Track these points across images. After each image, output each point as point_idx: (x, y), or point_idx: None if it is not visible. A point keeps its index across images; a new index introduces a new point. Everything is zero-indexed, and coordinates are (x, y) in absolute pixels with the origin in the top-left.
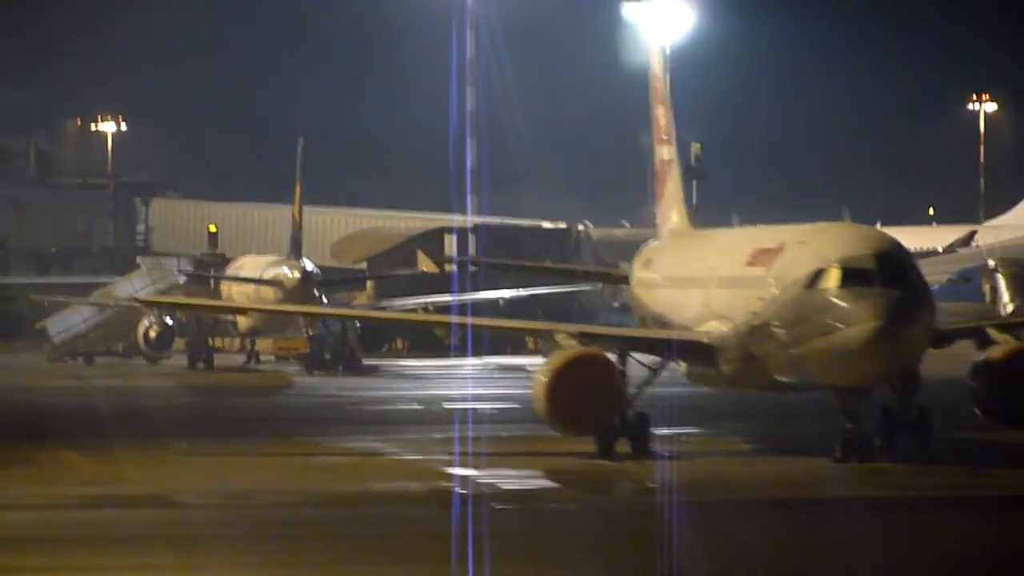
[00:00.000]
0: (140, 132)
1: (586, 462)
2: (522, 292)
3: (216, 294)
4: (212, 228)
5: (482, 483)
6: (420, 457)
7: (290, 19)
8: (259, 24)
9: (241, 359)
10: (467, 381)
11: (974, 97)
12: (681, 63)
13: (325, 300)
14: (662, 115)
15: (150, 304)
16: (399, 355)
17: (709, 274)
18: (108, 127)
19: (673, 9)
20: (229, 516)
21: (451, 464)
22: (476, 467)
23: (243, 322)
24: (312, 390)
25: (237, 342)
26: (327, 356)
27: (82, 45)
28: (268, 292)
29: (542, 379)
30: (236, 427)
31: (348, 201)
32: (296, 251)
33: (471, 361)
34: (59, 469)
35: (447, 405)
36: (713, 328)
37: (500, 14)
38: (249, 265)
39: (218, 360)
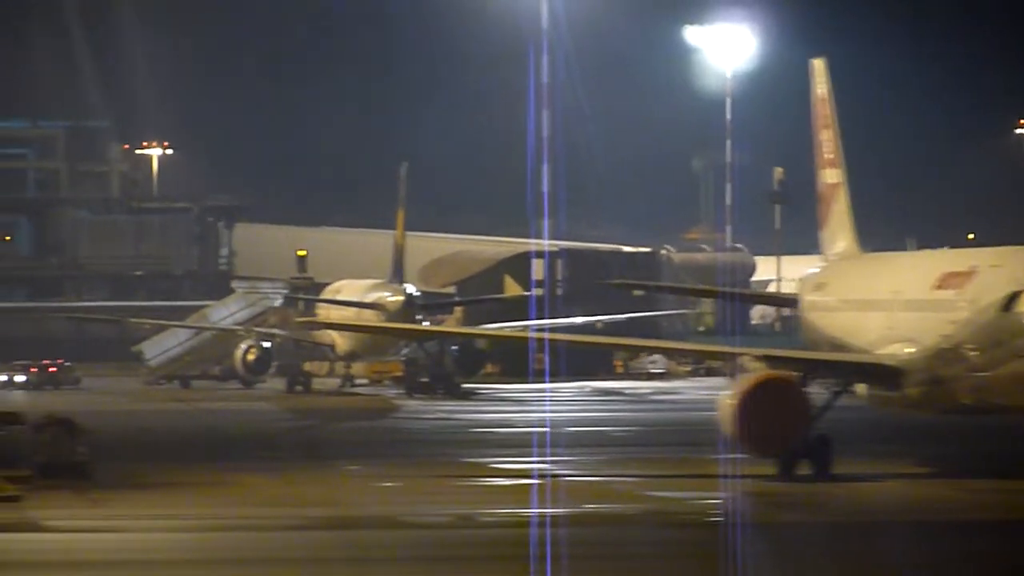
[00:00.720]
0: (222, 157)
1: (771, 484)
2: (621, 317)
3: (312, 317)
4: (301, 252)
5: (698, 504)
6: (600, 478)
7: (367, 47)
8: (337, 52)
9: (331, 383)
10: (572, 404)
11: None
12: (751, 87)
13: (426, 324)
14: (828, 138)
15: (319, 327)
16: (489, 379)
17: (893, 297)
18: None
19: (735, 34)
20: (470, 537)
21: (639, 486)
22: (674, 489)
23: (342, 346)
24: (422, 413)
25: (326, 366)
26: (424, 380)
27: (156, 68)
28: (370, 315)
29: (731, 401)
30: (377, 449)
31: (424, 225)
32: (398, 275)
33: (566, 385)
34: (249, 490)
35: (572, 428)
36: (897, 351)
37: (574, 41)
38: (347, 289)
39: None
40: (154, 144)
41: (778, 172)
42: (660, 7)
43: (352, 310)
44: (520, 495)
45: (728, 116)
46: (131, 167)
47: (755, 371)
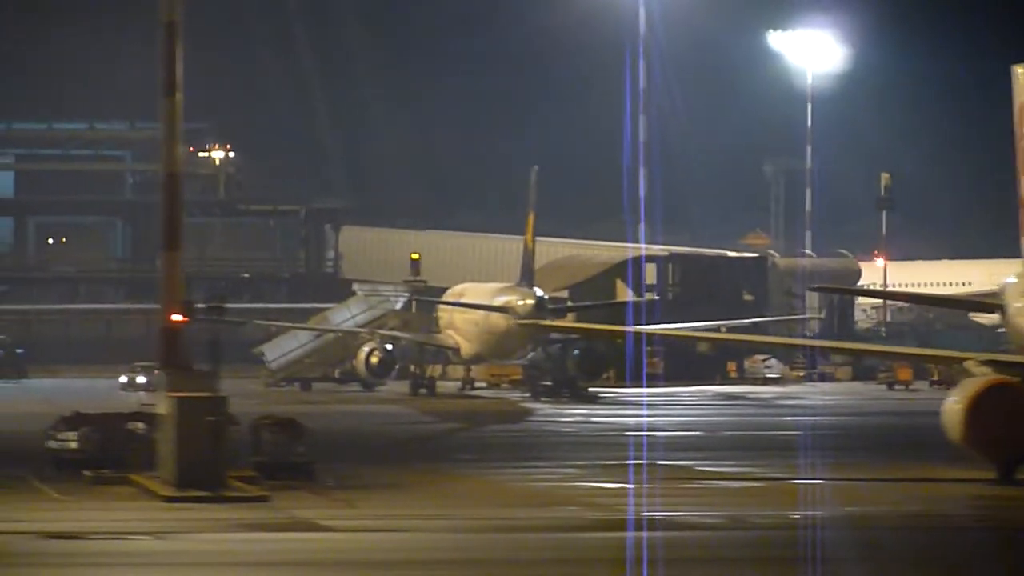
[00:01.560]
0: (327, 159)
1: (995, 489)
2: (743, 322)
3: (434, 321)
4: (415, 255)
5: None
6: (828, 482)
7: (466, 51)
8: (439, 56)
9: (449, 386)
10: (703, 408)
11: None
12: (834, 91)
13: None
14: None
15: (567, 330)
16: (604, 384)
17: None
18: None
19: (819, 40)
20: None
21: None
22: (912, 492)
23: (467, 349)
24: (558, 416)
25: (438, 369)
26: (546, 383)
27: (258, 71)
28: (499, 319)
29: (958, 406)
30: (554, 452)
31: (513, 229)
32: (528, 278)
33: (684, 389)
34: (483, 490)
35: (727, 432)
36: None
37: (666, 46)
38: (472, 292)
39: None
40: (216, 147)
41: (884, 177)
42: (746, 12)
43: (479, 313)
44: (762, 497)
45: (809, 122)
46: (236, 170)
47: (982, 375)
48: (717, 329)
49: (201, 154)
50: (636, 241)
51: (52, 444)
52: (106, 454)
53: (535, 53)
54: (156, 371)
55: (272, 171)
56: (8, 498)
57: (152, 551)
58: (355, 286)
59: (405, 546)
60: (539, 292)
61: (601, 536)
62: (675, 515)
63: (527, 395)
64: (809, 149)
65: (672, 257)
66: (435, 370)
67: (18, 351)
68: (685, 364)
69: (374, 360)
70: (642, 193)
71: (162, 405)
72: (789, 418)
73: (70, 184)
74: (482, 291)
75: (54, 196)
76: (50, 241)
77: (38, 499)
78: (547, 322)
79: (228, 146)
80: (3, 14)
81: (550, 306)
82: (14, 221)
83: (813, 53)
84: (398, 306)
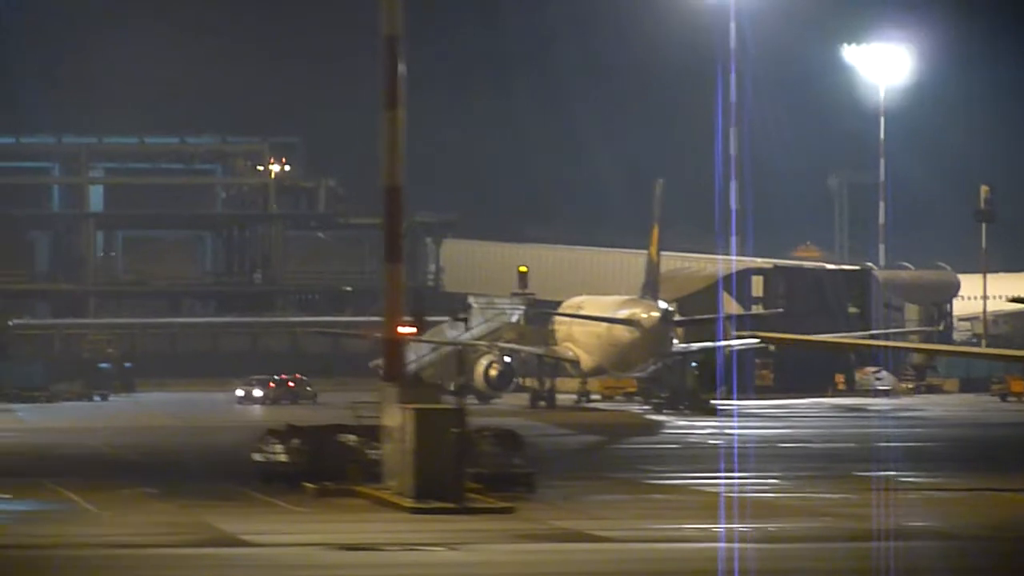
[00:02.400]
0: (428, 173)
1: None
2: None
3: (550, 334)
4: (523, 268)
5: None
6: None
7: (557, 65)
8: (534, 72)
9: (564, 399)
10: (827, 420)
11: None
12: (905, 104)
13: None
14: None
15: (776, 342)
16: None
17: None
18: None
19: (892, 53)
20: None
21: None
22: None
23: (587, 361)
24: (690, 428)
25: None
26: (663, 395)
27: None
28: (622, 331)
29: None
30: (712, 464)
31: (610, 242)
32: (652, 291)
33: (798, 401)
34: (696, 502)
35: (879, 444)
36: None
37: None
38: (591, 305)
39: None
40: (272, 161)
41: (984, 190)
42: (821, 26)
43: (602, 326)
44: (981, 506)
45: (882, 134)
46: (337, 183)
47: None
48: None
49: (259, 168)
50: (725, 253)
51: (259, 456)
52: (315, 466)
53: (621, 68)
54: (308, 386)
55: (373, 184)
56: (241, 510)
57: (455, 562)
58: (470, 299)
59: (698, 556)
60: (663, 304)
61: (878, 546)
62: (930, 525)
63: (647, 407)
64: (882, 162)
65: (777, 270)
66: (533, 382)
67: (126, 365)
68: (792, 376)
69: (493, 373)
70: (733, 206)
71: (390, 417)
72: (921, 430)
73: (160, 198)
74: (603, 304)
75: (144, 210)
76: (138, 255)
77: (274, 511)
78: (764, 334)
79: (284, 160)
80: (95, 30)
81: (675, 318)
82: (103, 234)
83: (886, 66)
84: (513, 319)
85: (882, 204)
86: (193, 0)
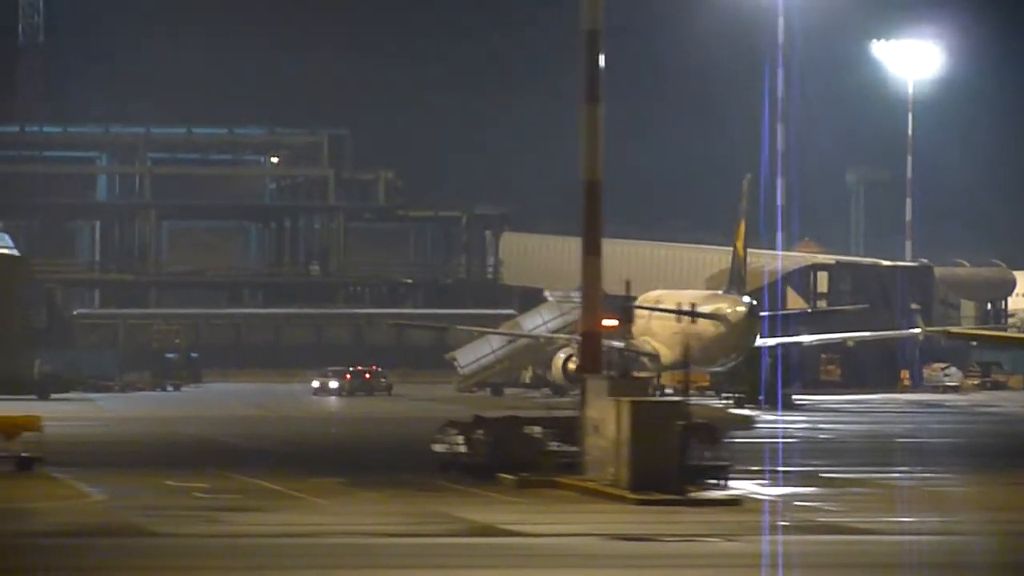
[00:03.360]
0: (486, 166)
1: None
2: None
3: (626, 328)
4: None
5: None
6: None
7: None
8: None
9: None
10: (913, 415)
11: None
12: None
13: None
14: None
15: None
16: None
17: None
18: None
19: (921, 49)
20: None
21: None
22: None
23: (667, 355)
24: (786, 424)
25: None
26: (739, 391)
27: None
28: (708, 326)
29: None
30: (861, 458)
31: (656, 236)
32: (739, 286)
33: (870, 397)
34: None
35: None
36: None
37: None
38: (669, 299)
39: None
40: (273, 155)
41: None
42: (853, 21)
43: (687, 320)
44: None
45: (910, 131)
46: (395, 175)
47: None
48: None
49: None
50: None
51: (439, 447)
52: (497, 458)
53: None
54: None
55: (432, 177)
56: (461, 499)
57: (740, 553)
58: (546, 292)
59: (983, 549)
60: (748, 299)
61: None
62: None
63: (727, 402)
64: (909, 159)
65: (840, 266)
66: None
67: (192, 356)
68: (859, 372)
69: (571, 366)
70: (779, 203)
71: (595, 409)
72: (1006, 426)
73: (208, 188)
74: (683, 298)
75: (189, 200)
76: (186, 245)
77: (493, 501)
78: (967, 330)
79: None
80: (140, 22)
81: (760, 313)
82: (148, 225)
83: (915, 62)
84: None
85: (909, 200)
86: None
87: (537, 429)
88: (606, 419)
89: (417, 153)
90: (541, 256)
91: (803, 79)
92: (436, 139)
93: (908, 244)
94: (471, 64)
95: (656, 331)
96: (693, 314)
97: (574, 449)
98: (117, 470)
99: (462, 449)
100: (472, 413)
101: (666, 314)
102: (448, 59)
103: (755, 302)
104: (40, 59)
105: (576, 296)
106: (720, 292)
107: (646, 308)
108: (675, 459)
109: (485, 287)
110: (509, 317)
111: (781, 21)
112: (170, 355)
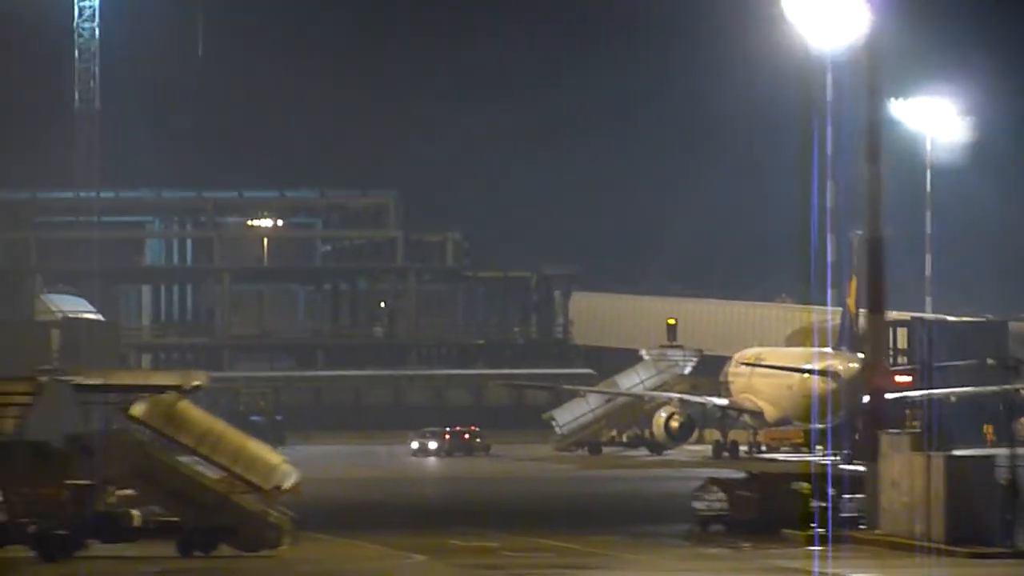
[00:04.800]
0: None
1: None
2: None
3: (722, 386)
4: (671, 321)
5: None
6: None
7: (650, 111)
8: (641, 122)
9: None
10: None
11: None
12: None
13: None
14: None
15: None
16: None
17: None
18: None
19: (940, 108)
20: None
21: None
22: None
23: (772, 412)
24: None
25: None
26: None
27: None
28: (821, 383)
29: None
30: None
31: (717, 293)
32: (847, 341)
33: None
34: None
35: None
36: None
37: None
38: (773, 357)
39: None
40: (265, 215)
41: None
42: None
43: (796, 377)
44: None
45: (928, 187)
46: (462, 236)
47: None
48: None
49: (252, 222)
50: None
51: (699, 504)
52: (762, 513)
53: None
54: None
55: (499, 238)
56: (772, 553)
57: None
58: (642, 351)
59: None
60: (860, 356)
61: None
62: None
63: (834, 458)
64: (928, 214)
65: (916, 322)
66: (711, 434)
67: (277, 418)
68: (941, 427)
69: (674, 424)
70: (829, 259)
71: (891, 464)
72: None
73: (257, 251)
74: (787, 355)
75: (238, 263)
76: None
77: (805, 556)
78: None
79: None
80: (187, 88)
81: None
82: (220, 287)
83: (934, 121)
84: (686, 371)
85: (928, 256)
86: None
87: (806, 485)
88: (908, 474)
89: (477, 214)
90: (610, 315)
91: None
92: (496, 200)
93: (928, 300)
94: (528, 123)
95: (760, 388)
96: (802, 371)
97: (848, 503)
98: (368, 531)
99: (723, 506)
100: (733, 470)
101: (771, 371)
102: (502, 118)
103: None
104: (95, 125)
105: (672, 354)
106: (829, 349)
107: (765, 367)
108: (996, 513)
109: (555, 347)
110: (586, 376)
111: (829, 78)
112: (255, 418)
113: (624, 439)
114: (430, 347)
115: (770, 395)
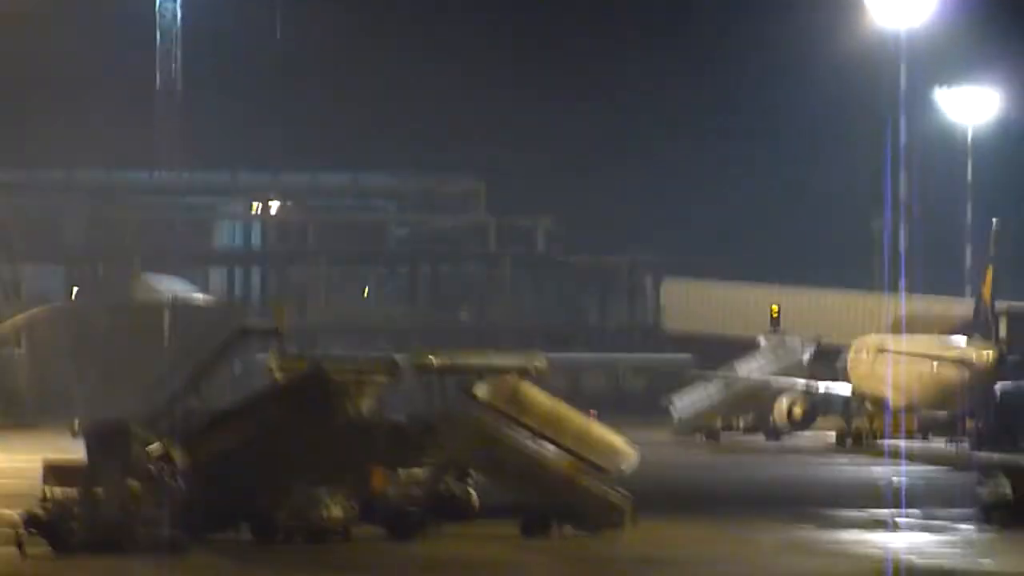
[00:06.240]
0: (646, 213)
1: None
2: None
3: (839, 372)
4: (774, 309)
5: None
6: None
7: (715, 104)
8: (731, 112)
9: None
10: None
11: None
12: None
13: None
14: None
15: None
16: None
17: None
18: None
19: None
20: None
21: None
22: None
23: (899, 400)
24: None
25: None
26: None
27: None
28: (951, 370)
29: None
30: None
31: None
32: (983, 331)
33: None
34: None
35: None
36: None
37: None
38: (898, 344)
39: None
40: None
41: None
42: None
43: (928, 364)
44: None
45: (969, 176)
46: (553, 222)
47: None
48: None
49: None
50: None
51: (983, 490)
52: None
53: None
54: None
55: (591, 224)
56: None
57: None
58: (760, 338)
59: None
60: (995, 344)
61: None
62: None
63: (961, 444)
64: (969, 205)
65: (1016, 312)
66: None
67: None
68: None
69: (797, 411)
70: (902, 248)
71: None
72: None
73: (333, 234)
74: (920, 343)
75: (312, 246)
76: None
77: None
78: None
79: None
80: (267, 70)
81: (1009, 358)
82: (265, 271)
83: (975, 109)
84: (804, 357)
85: (968, 246)
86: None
87: None
88: None
89: (567, 200)
90: (701, 302)
91: (863, 124)
92: (586, 187)
93: (968, 288)
94: (616, 109)
95: (885, 376)
96: (933, 357)
97: None
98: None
99: (1006, 491)
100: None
101: (898, 358)
102: (595, 106)
103: (1003, 348)
104: (176, 106)
105: (790, 342)
106: (963, 336)
107: (901, 353)
108: None
109: (647, 333)
110: (684, 363)
111: (903, 68)
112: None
113: (741, 425)
114: (523, 332)
115: (896, 383)
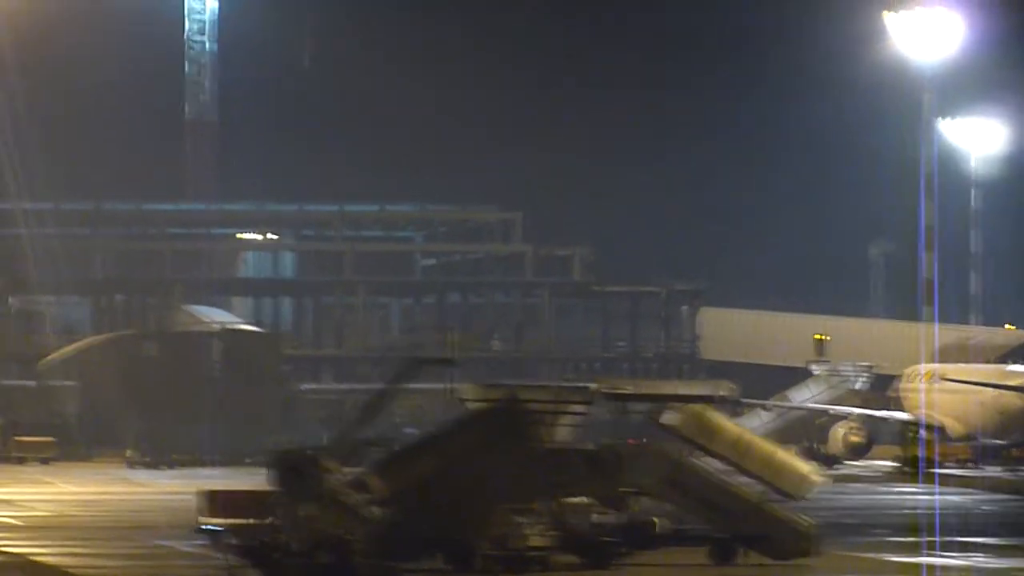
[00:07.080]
0: (680, 241)
1: None
2: None
3: (895, 401)
4: (818, 336)
5: None
6: None
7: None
8: (772, 138)
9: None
10: None
11: None
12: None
13: None
14: None
15: None
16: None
17: None
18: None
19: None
20: None
21: None
22: None
23: (957, 428)
24: None
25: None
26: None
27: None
28: (1014, 399)
29: None
30: None
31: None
32: None
33: None
34: None
35: None
36: None
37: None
38: (954, 372)
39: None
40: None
41: None
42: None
43: (989, 392)
44: None
45: (973, 204)
46: (589, 251)
47: None
48: None
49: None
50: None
51: None
52: None
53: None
54: None
55: (625, 254)
56: None
57: None
58: (813, 367)
59: None
60: None
61: None
62: None
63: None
64: (973, 233)
65: None
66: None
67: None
68: None
69: (854, 439)
70: (936, 278)
71: None
72: None
73: (359, 265)
74: (978, 372)
75: (339, 277)
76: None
77: None
78: None
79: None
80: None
81: None
82: (294, 301)
83: (978, 138)
84: (856, 386)
85: (973, 274)
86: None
87: None
88: None
89: (594, 232)
90: (739, 330)
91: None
92: (618, 216)
93: (972, 318)
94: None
95: (942, 404)
96: (997, 386)
97: None
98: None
99: None
100: None
101: (956, 387)
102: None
103: None
104: (206, 138)
105: (844, 370)
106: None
107: (961, 382)
108: None
109: (684, 361)
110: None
111: (927, 98)
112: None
113: (795, 452)
114: (562, 361)
115: (959, 411)
